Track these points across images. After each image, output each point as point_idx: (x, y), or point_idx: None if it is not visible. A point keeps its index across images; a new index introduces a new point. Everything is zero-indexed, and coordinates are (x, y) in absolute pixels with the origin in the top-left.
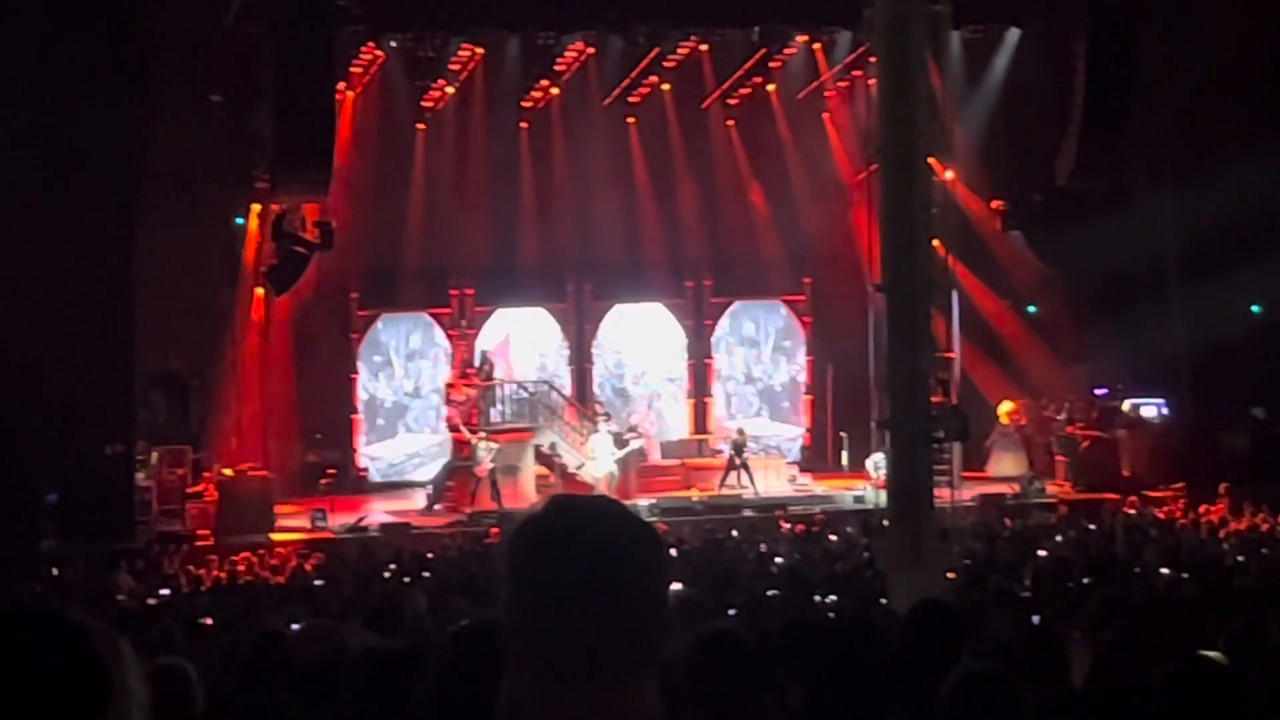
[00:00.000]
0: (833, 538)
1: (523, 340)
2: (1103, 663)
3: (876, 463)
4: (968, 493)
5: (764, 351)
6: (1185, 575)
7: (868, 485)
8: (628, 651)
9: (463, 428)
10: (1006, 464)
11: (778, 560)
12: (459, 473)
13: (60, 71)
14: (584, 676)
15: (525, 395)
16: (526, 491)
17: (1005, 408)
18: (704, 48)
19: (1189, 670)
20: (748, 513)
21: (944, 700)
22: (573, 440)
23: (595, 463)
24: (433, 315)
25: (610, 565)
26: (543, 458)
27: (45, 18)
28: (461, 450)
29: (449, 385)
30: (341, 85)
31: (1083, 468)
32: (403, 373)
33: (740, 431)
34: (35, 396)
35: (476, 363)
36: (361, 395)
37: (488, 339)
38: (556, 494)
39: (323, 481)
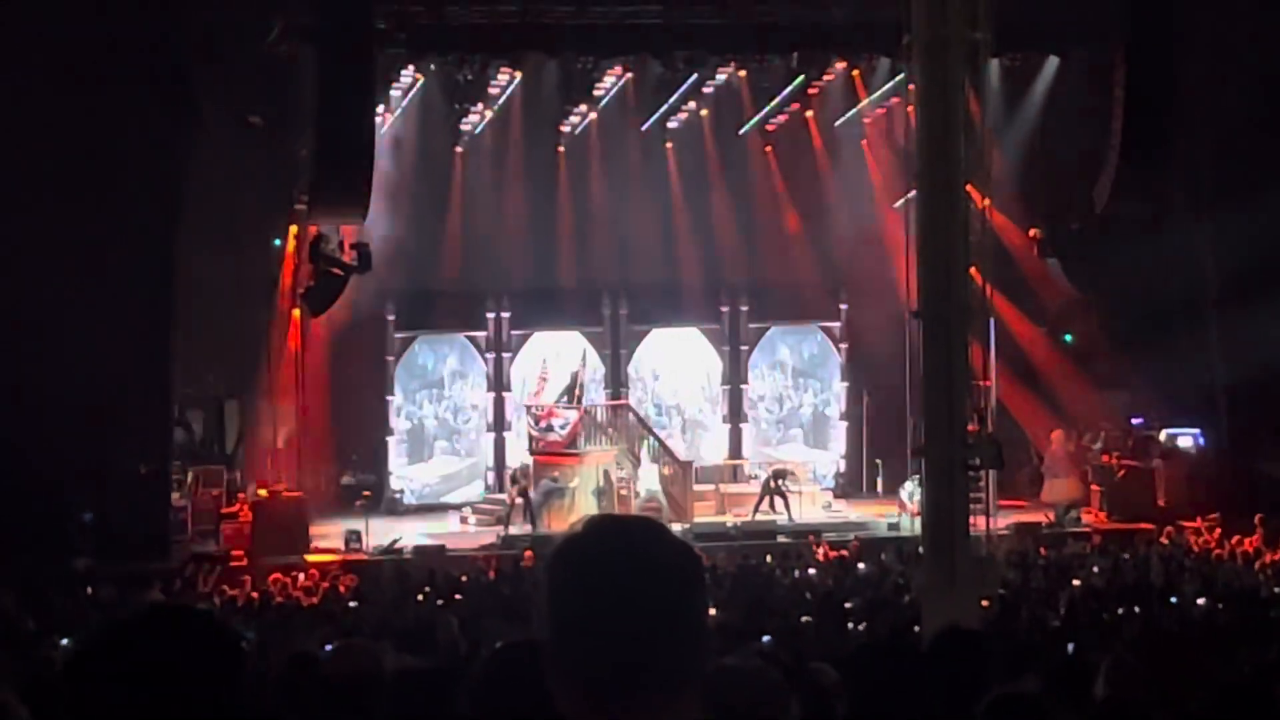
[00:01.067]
0: (865, 565)
1: (558, 363)
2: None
3: (911, 491)
4: (1003, 521)
5: (800, 377)
6: (1220, 606)
7: (902, 513)
8: (668, 672)
9: (566, 450)
10: (1059, 490)
11: (812, 586)
12: (554, 495)
13: (102, 92)
14: (624, 696)
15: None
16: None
17: (1058, 435)
18: (742, 74)
19: (1224, 699)
20: (782, 538)
21: None
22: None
23: (642, 484)
24: (469, 338)
25: (651, 586)
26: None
27: (87, 38)
28: (554, 470)
29: (540, 408)
30: (381, 107)
31: (1118, 497)
32: (439, 395)
33: (779, 472)
34: (72, 415)
35: (569, 382)
36: (396, 417)
37: (572, 359)
38: (596, 515)
39: (358, 503)
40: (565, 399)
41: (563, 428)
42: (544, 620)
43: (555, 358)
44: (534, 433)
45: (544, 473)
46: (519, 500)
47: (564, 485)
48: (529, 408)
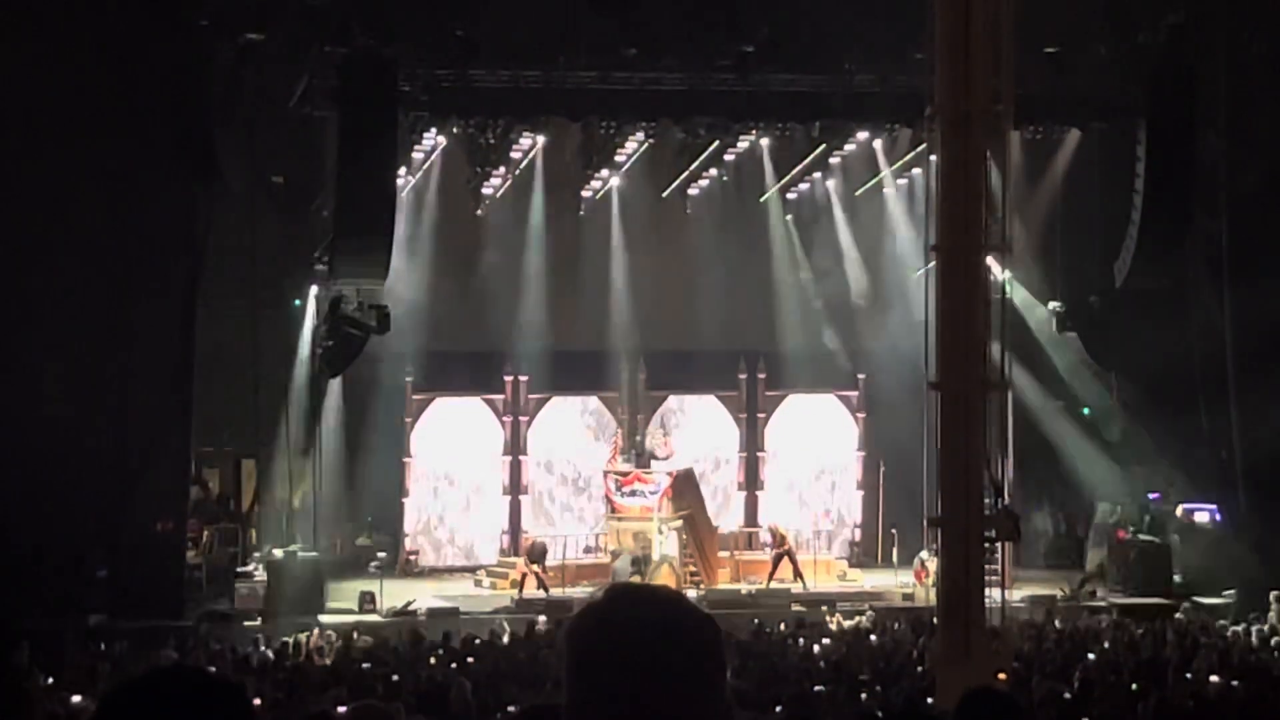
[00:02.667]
0: (879, 635)
1: (573, 427)
2: None
3: (923, 558)
4: (1018, 593)
5: (816, 446)
6: (1236, 683)
7: (916, 583)
8: None
9: (655, 515)
10: (1097, 559)
11: (825, 655)
12: (640, 562)
13: (125, 151)
14: None
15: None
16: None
17: (1104, 507)
18: (764, 141)
19: None
20: (796, 606)
21: None
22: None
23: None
24: (486, 401)
25: (671, 655)
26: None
27: (112, 97)
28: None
29: (623, 473)
30: (402, 169)
31: (1134, 571)
32: (455, 457)
33: (780, 533)
34: (90, 471)
35: (642, 447)
36: (413, 479)
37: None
38: (617, 582)
39: (373, 564)
40: (639, 462)
41: (653, 493)
42: (565, 686)
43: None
44: (617, 498)
45: (624, 537)
46: (532, 570)
47: (648, 555)
48: (609, 473)
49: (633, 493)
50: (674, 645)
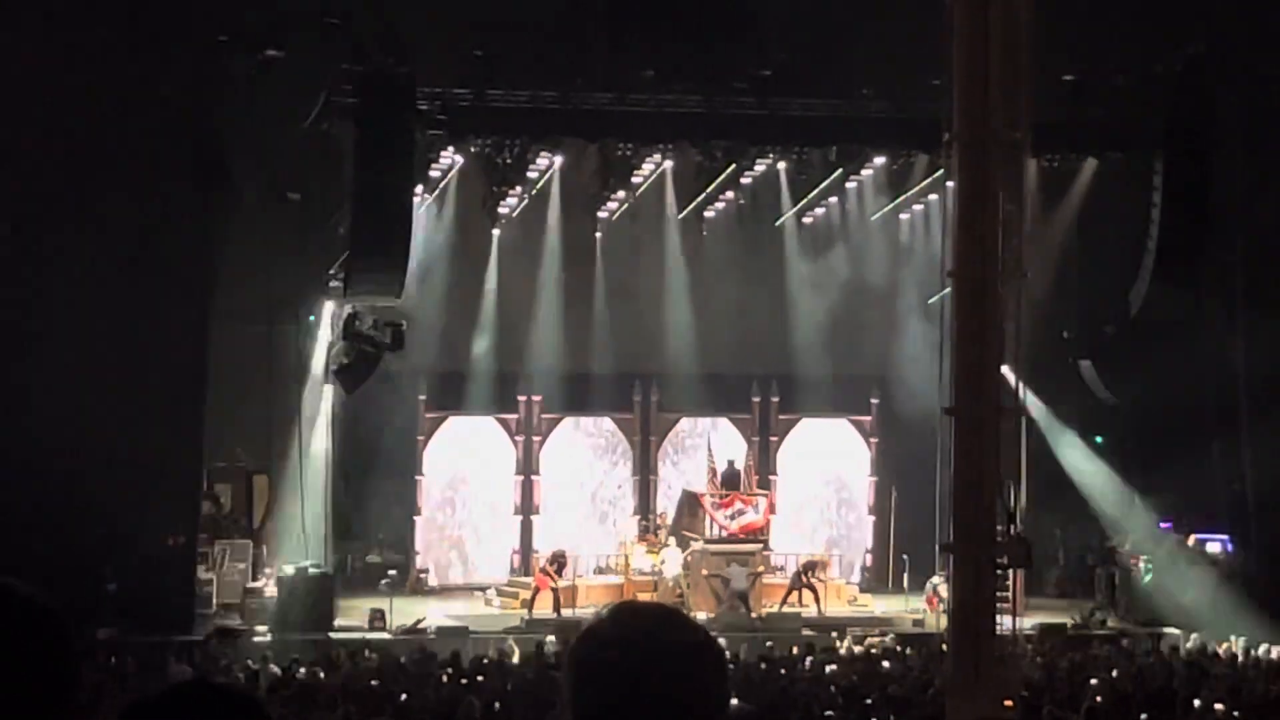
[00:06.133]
0: (889, 661)
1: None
2: None
3: (935, 584)
4: (1029, 620)
5: (829, 470)
6: (1239, 714)
7: (927, 609)
8: None
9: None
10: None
11: (835, 680)
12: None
13: (142, 166)
14: None
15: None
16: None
17: (1115, 535)
18: (781, 165)
19: None
20: (807, 631)
21: None
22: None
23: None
24: (499, 420)
25: (672, 674)
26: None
27: (129, 112)
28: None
29: (721, 495)
30: (419, 187)
31: (1144, 600)
32: (467, 476)
33: (810, 564)
34: (101, 485)
35: (730, 470)
36: (425, 497)
37: (735, 450)
38: (621, 602)
39: (383, 582)
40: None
41: (756, 512)
42: (569, 705)
43: (722, 448)
44: (720, 520)
45: (719, 561)
46: (551, 573)
47: (754, 572)
48: (705, 495)
49: (738, 514)
50: (672, 666)
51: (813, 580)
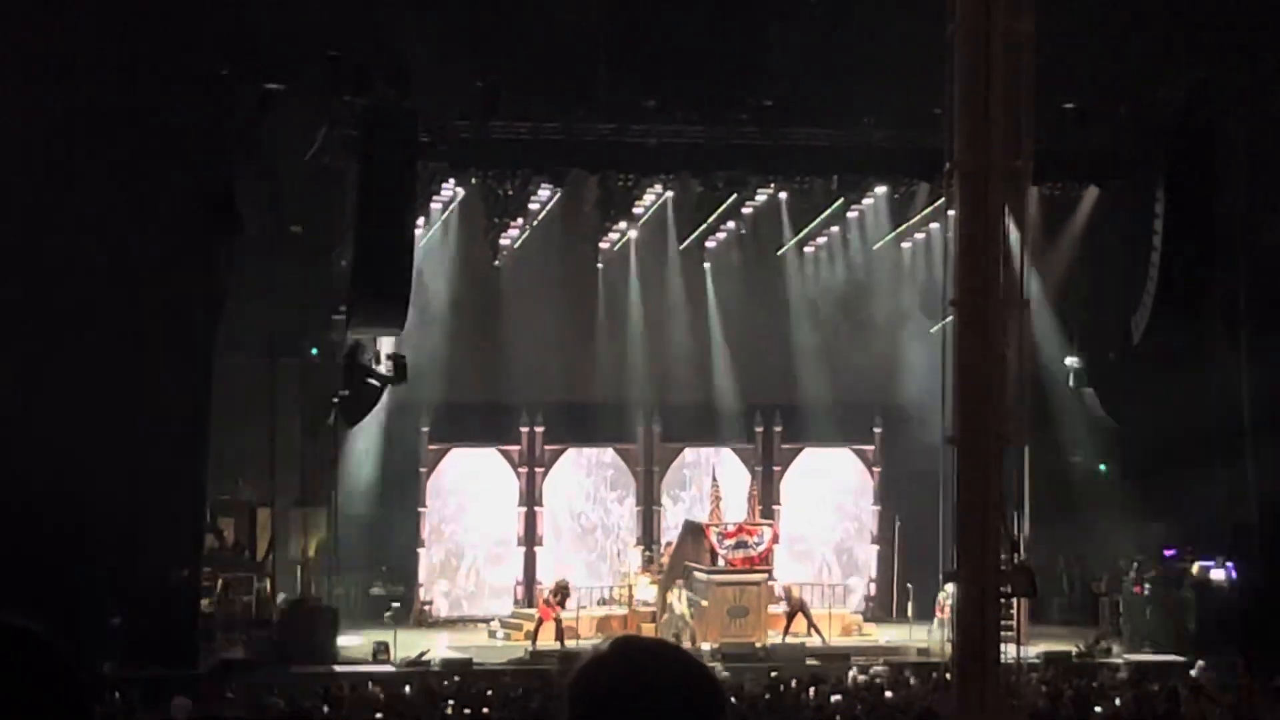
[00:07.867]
0: (893, 691)
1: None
2: None
3: (948, 592)
4: (1033, 649)
5: (831, 499)
6: None
7: (938, 614)
8: None
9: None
10: None
11: (839, 711)
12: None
13: (145, 198)
14: None
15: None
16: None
17: (1120, 563)
18: (782, 195)
19: None
20: (811, 661)
21: None
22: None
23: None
24: (502, 452)
25: (670, 708)
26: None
27: (132, 144)
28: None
29: (727, 525)
30: (421, 219)
31: (1149, 629)
32: (471, 508)
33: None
34: (105, 518)
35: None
36: (428, 529)
37: (738, 478)
38: (620, 635)
39: (387, 614)
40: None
41: (758, 543)
42: None
43: (723, 476)
44: (723, 550)
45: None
46: (554, 605)
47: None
48: (709, 525)
49: (741, 545)
50: (670, 700)
51: (805, 604)
